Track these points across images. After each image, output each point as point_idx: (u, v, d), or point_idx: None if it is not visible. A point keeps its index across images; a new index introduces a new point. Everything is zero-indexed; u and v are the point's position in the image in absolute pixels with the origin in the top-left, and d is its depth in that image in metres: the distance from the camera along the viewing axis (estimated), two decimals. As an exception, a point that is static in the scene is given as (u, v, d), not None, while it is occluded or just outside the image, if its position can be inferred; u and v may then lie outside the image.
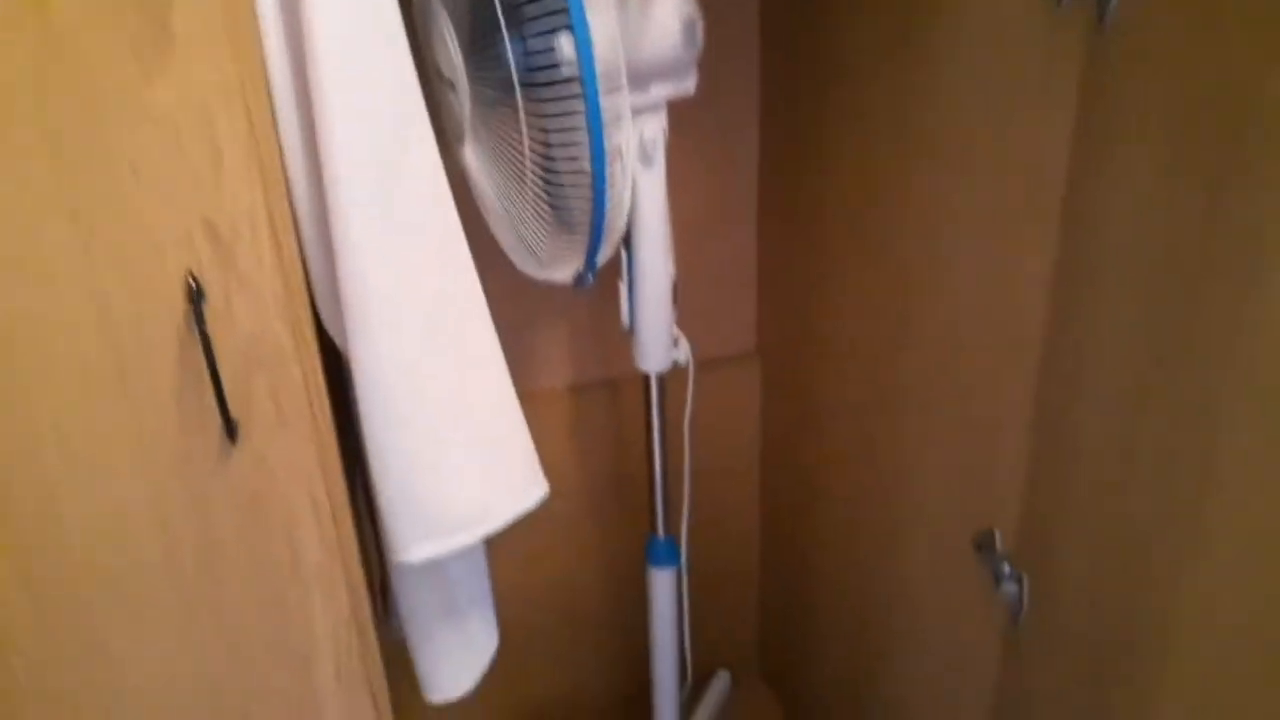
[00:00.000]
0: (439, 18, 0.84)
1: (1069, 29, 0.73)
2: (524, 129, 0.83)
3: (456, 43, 0.83)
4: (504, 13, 0.79)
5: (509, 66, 0.80)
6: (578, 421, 1.38)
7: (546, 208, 0.88)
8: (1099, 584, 0.79)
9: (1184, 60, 0.63)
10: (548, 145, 0.85)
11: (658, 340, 1.08)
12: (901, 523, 1.13)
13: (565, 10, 0.78)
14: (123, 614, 0.78)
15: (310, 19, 0.67)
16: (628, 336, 1.09)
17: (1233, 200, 0.61)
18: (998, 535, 0.93)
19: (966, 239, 0.91)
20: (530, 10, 0.79)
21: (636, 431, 1.41)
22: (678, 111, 0.95)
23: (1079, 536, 0.81)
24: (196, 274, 0.71)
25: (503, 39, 0.80)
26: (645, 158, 0.94)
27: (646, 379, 1.13)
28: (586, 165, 0.84)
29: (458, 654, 1.04)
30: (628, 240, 1.00)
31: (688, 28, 0.89)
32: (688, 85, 0.93)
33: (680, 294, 1.07)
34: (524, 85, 0.81)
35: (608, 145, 0.82)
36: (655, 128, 0.93)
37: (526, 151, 0.84)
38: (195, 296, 0.71)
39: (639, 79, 0.86)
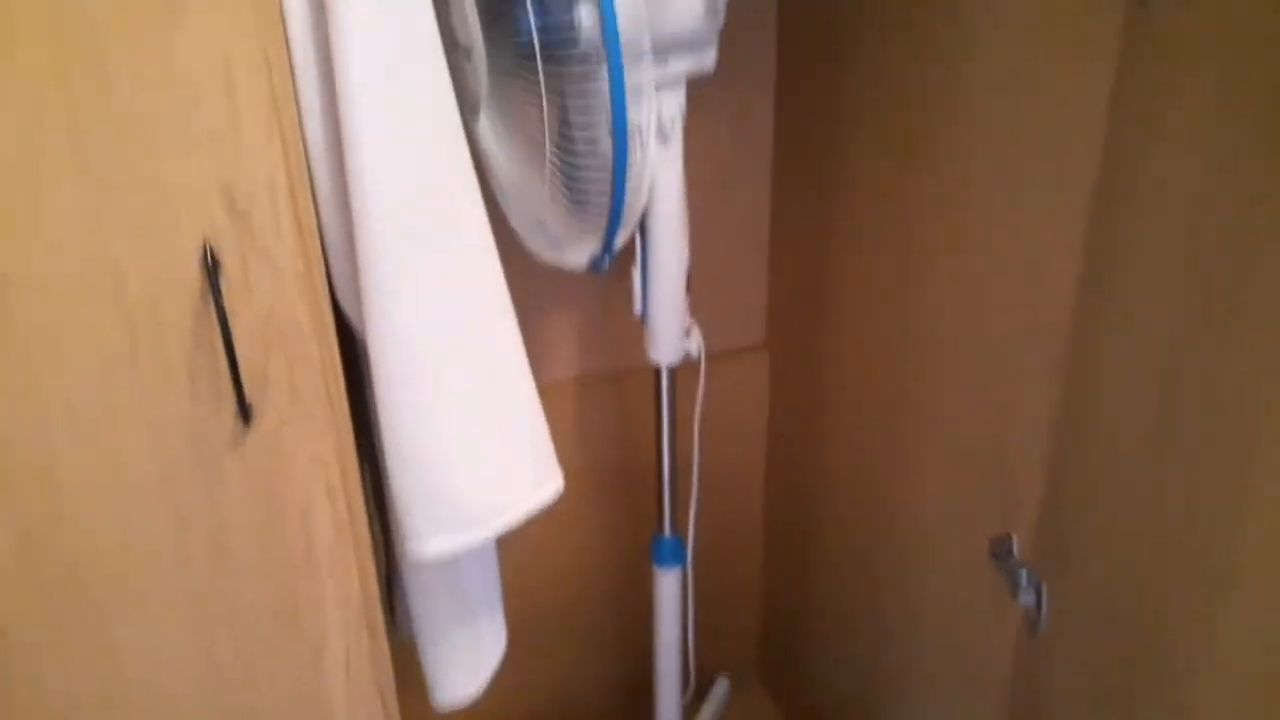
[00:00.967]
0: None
1: (1108, 11, 0.72)
2: (544, 102, 0.81)
3: (475, 9, 0.81)
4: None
5: (529, 35, 0.78)
6: (581, 415, 1.35)
7: (563, 186, 0.86)
8: (1123, 592, 0.77)
9: (1228, 45, 0.62)
10: (566, 119, 0.83)
11: (671, 330, 1.06)
12: (914, 526, 1.11)
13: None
14: (129, 598, 0.75)
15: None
16: (639, 326, 1.07)
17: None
18: (1015, 541, 0.91)
19: (991, 229, 0.90)
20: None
21: (639, 427, 1.39)
22: (693, 91, 0.93)
23: (1102, 541, 0.79)
24: (213, 244, 0.68)
25: (523, 6, 0.78)
26: (663, 136, 0.92)
27: (657, 371, 1.11)
28: (606, 141, 0.82)
29: (467, 657, 1.01)
30: (643, 225, 0.98)
31: None
32: (708, 60, 0.91)
33: (694, 283, 1.05)
34: (543, 56, 0.79)
35: (629, 120, 0.81)
36: (674, 105, 0.91)
37: (545, 125, 0.82)
38: (212, 268, 0.68)
39: (660, 51, 0.85)
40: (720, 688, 1.60)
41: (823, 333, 1.28)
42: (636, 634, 1.50)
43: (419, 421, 0.78)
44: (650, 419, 1.16)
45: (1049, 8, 0.79)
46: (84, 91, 0.62)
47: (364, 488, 0.82)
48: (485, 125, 0.88)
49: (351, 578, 0.83)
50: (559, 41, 0.79)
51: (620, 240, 0.89)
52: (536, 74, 0.80)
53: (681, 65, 0.89)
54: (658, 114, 0.90)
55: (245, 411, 0.73)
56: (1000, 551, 0.92)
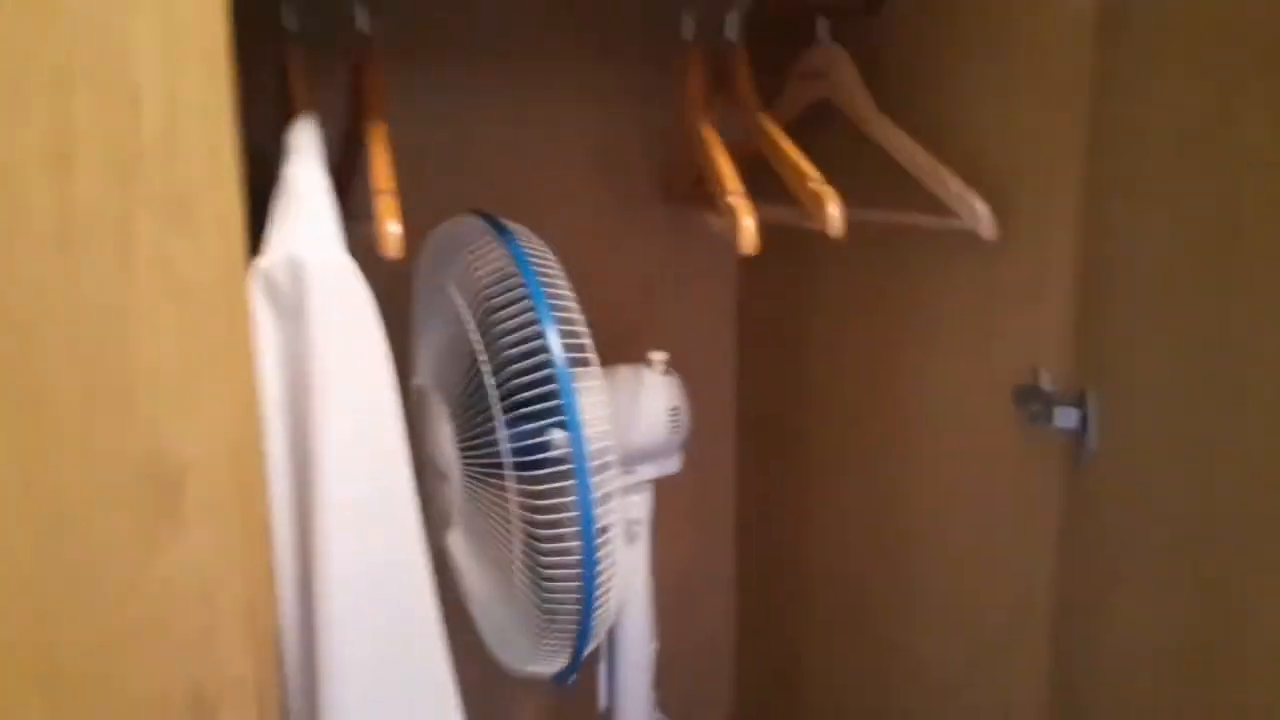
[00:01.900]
0: (437, 413, 0.87)
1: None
2: (513, 513, 0.85)
3: (453, 438, 0.86)
4: (499, 405, 0.83)
5: (500, 453, 0.83)
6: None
7: (532, 594, 0.87)
8: None
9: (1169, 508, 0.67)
10: (534, 527, 0.86)
11: (639, 722, 1.04)
12: None
13: (560, 406, 0.82)
14: None
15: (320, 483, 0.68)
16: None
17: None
18: None
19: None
20: (526, 405, 0.83)
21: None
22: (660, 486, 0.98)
23: None
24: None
25: (494, 427, 0.83)
26: (630, 535, 0.95)
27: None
28: (574, 545, 0.85)
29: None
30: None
31: (673, 415, 0.94)
32: (673, 466, 0.96)
33: (660, 671, 1.05)
34: (515, 468, 0.84)
35: (597, 529, 0.84)
36: (641, 507, 0.95)
37: (516, 535, 0.85)
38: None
39: (627, 462, 0.90)
40: None
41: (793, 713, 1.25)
42: None
43: None
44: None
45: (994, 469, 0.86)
46: (61, 613, 0.60)
47: None
48: (457, 539, 0.91)
49: None
50: (529, 456, 0.84)
51: (589, 648, 0.90)
52: (506, 485, 0.84)
53: (649, 472, 0.94)
54: (625, 516, 0.94)
55: None
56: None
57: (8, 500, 0.56)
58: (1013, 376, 0.82)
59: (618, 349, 0.90)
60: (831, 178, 0.82)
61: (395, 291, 0.68)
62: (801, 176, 0.80)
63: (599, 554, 0.83)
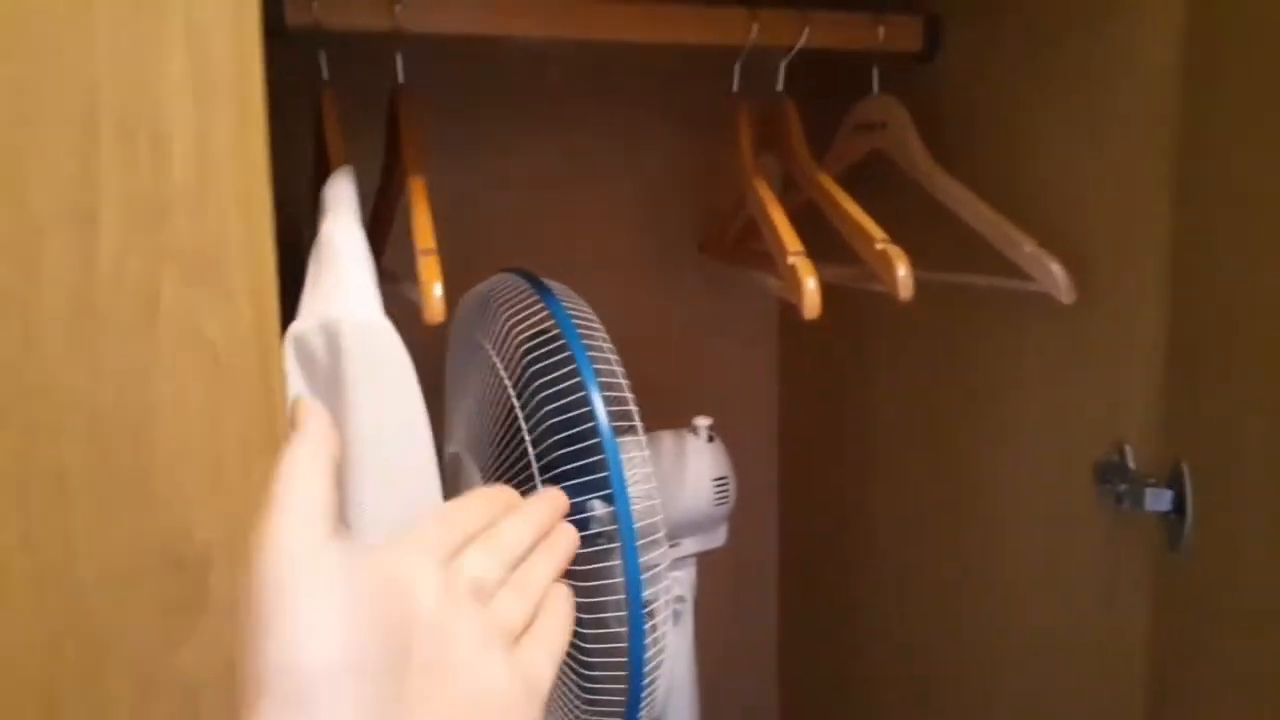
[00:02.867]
0: (473, 482, 0.82)
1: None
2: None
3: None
4: (540, 476, 0.78)
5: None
6: None
7: (574, 681, 0.81)
8: None
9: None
10: (577, 609, 0.80)
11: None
12: None
13: (605, 478, 0.77)
14: None
15: None
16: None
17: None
18: None
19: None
20: (567, 475, 0.78)
21: None
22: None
23: None
24: None
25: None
26: (675, 616, 0.89)
27: None
28: (621, 634, 0.79)
29: None
30: (651, 702, 0.92)
31: (720, 485, 0.89)
32: (718, 539, 0.91)
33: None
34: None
35: (645, 609, 0.78)
36: (686, 584, 0.90)
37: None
38: None
39: (671, 536, 0.84)
40: None
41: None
42: None
43: None
44: None
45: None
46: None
47: None
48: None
49: None
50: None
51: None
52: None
53: (693, 546, 0.89)
54: (669, 595, 0.87)
55: None
56: None
57: (17, 594, 0.51)
58: (1094, 450, 0.76)
59: (654, 413, 0.85)
60: (890, 236, 0.77)
61: (427, 354, 0.63)
62: (867, 237, 0.75)
63: (648, 637, 0.77)
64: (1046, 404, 0.83)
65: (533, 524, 0.46)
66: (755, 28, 0.82)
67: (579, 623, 0.79)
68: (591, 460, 0.77)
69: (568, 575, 0.79)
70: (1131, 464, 0.73)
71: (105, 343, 0.50)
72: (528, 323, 0.81)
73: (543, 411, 0.79)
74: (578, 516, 0.78)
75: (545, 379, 0.79)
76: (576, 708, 0.81)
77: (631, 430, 0.79)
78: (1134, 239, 0.73)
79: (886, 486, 1.08)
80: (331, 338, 0.59)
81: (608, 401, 0.77)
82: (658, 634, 0.79)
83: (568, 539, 0.48)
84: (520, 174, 1.11)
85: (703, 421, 0.92)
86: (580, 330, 0.79)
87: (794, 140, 0.86)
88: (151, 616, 0.53)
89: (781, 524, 1.29)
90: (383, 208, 0.87)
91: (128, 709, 0.53)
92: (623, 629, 0.77)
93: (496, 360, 0.82)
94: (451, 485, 0.86)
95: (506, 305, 0.81)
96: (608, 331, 0.80)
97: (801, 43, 0.84)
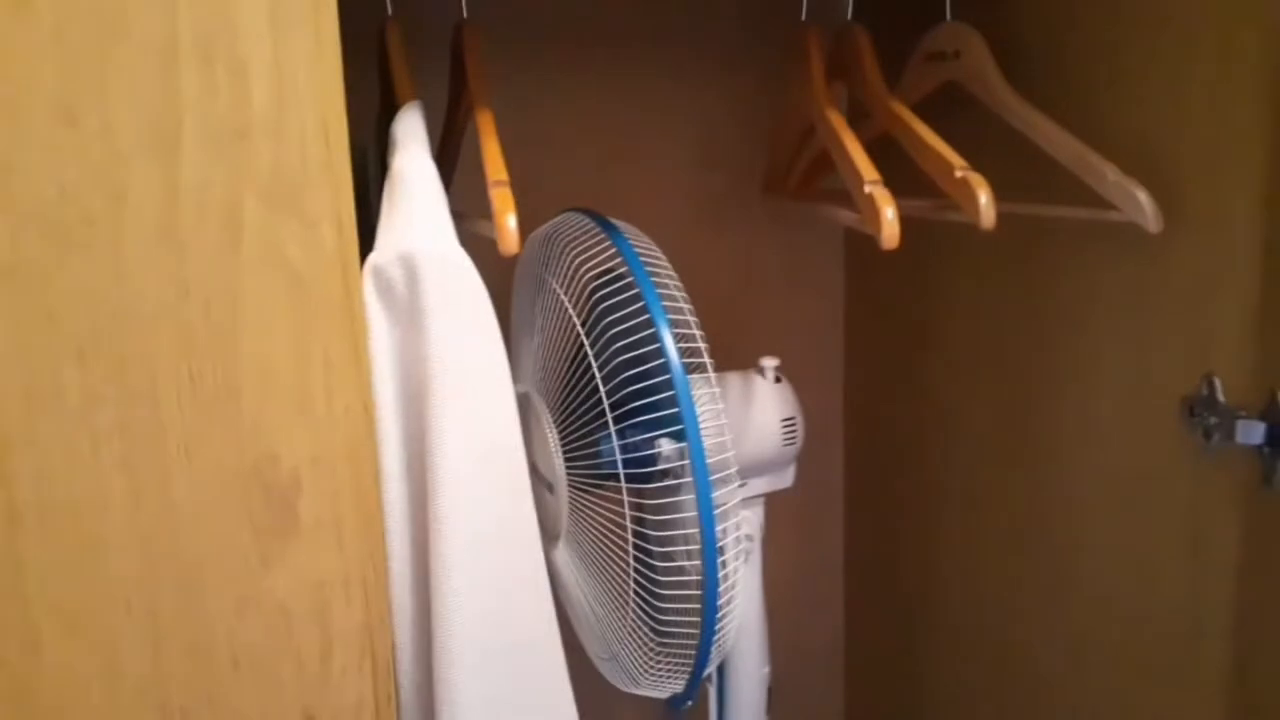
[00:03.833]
0: (541, 421, 0.82)
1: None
2: (625, 528, 0.79)
3: (558, 447, 0.81)
4: (611, 414, 0.78)
5: (611, 464, 0.78)
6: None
7: (647, 618, 0.82)
8: None
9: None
10: (646, 543, 0.80)
11: (750, 754, 0.97)
12: None
13: (675, 413, 0.76)
14: None
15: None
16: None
17: None
18: None
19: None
20: (637, 412, 0.77)
21: None
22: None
23: None
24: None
25: (600, 435, 0.78)
26: (744, 554, 0.89)
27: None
28: (693, 569, 0.79)
29: None
30: (720, 641, 0.92)
31: (788, 426, 0.88)
32: (786, 480, 0.90)
33: (775, 698, 0.98)
34: (626, 478, 0.78)
35: (718, 547, 0.78)
36: (754, 523, 0.89)
37: (628, 552, 0.79)
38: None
39: (741, 475, 0.83)
40: None
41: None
42: None
43: None
44: None
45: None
46: (170, 624, 0.56)
47: None
48: (563, 555, 0.86)
49: None
50: (641, 469, 0.78)
51: (708, 672, 0.84)
52: (614, 498, 0.78)
53: (760, 486, 0.88)
54: (740, 533, 0.87)
55: None
56: None
57: (118, 512, 0.51)
58: (1179, 385, 0.74)
59: (720, 353, 0.84)
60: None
61: (492, 293, 0.63)
62: (946, 165, 0.72)
63: (721, 574, 0.77)
64: (1127, 337, 0.81)
65: None
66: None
67: (654, 557, 0.80)
68: (661, 397, 0.76)
69: (638, 514, 0.80)
70: (1221, 397, 0.70)
71: (191, 269, 0.50)
72: (595, 261, 0.80)
73: (612, 349, 0.78)
74: (646, 452, 0.78)
75: (614, 316, 0.78)
76: (649, 646, 0.81)
77: (701, 369, 0.78)
78: (1226, 162, 0.70)
79: (953, 426, 1.06)
80: (410, 270, 0.59)
81: (677, 339, 0.76)
82: (729, 569, 0.79)
83: None
84: (580, 115, 1.09)
85: (769, 362, 0.90)
86: (649, 268, 0.78)
87: (867, 69, 0.84)
88: (244, 538, 0.54)
89: (847, 465, 1.28)
90: (448, 145, 0.87)
91: (225, 628, 0.54)
92: (693, 564, 0.77)
93: (565, 299, 0.81)
94: (522, 424, 0.86)
95: (574, 244, 0.81)
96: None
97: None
